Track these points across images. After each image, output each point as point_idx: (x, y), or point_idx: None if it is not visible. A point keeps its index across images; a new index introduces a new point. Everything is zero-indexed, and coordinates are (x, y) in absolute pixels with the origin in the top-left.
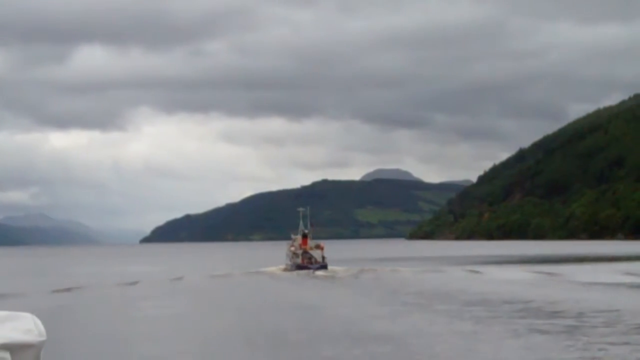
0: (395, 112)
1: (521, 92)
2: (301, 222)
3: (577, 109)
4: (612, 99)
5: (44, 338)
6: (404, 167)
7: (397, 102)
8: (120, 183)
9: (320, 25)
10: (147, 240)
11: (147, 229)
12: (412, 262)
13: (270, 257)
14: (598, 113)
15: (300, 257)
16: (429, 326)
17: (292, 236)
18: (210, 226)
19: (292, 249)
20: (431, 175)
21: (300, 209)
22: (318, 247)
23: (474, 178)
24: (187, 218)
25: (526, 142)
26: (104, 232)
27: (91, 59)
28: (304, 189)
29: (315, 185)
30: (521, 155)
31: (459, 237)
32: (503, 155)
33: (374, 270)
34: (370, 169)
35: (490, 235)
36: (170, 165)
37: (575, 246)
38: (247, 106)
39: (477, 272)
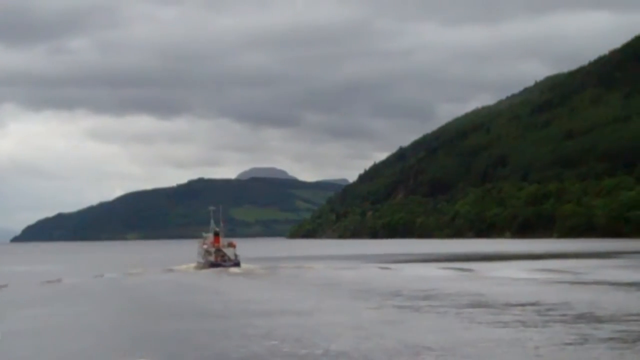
0: (266, 111)
1: (390, 91)
2: (212, 221)
3: (446, 109)
4: (478, 99)
5: None
6: (278, 166)
7: (267, 101)
8: None
9: (187, 22)
10: (17, 239)
11: (17, 228)
12: (321, 260)
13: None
14: (477, 112)
15: (214, 254)
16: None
17: (204, 234)
18: (84, 225)
19: (205, 246)
20: (305, 174)
21: (211, 208)
22: (230, 245)
23: (349, 177)
24: (60, 217)
25: (397, 140)
26: None
27: None
28: (180, 188)
29: (191, 183)
30: (401, 154)
31: (342, 236)
32: (375, 154)
33: (285, 268)
34: (244, 168)
35: (375, 234)
36: (38, 163)
37: (470, 244)
38: (114, 104)
39: (389, 268)
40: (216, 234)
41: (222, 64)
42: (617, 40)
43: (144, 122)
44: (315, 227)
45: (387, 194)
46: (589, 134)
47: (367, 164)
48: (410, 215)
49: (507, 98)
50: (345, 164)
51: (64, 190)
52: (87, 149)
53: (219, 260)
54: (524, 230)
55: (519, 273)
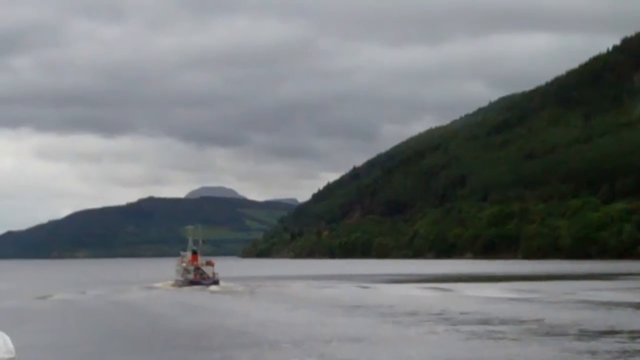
0: (210, 130)
1: (332, 111)
2: (190, 239)
3: (389, 129)
4: (422, 120)
5: (12, 355)
6: (226, 186)
7: (211, 121)
8: None
9: (130, 42)
10: None
11: None
12: (297, 279)
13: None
14: (432, 132)
15: (193, 272)
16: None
17: (181, 253)
18: (34, 243)
19: (184, 264)
20: (253, 193)
21: (189, 227)
22: (209, 263)
23: (297, 196)
24: (9, 235)
25: (342, 160)
26: None
27: None
28: (129, 206)
29: (141, 202)
30: (355, 174)
31: (298, 255)
32: (321, 173)
33: (265, 286)
34: (192, 187)
35: (332, 254)
36: None
37: (436, 265)
38: (57, 122)
39: (368, 287)
40: (194, 252)
41: (165, 83)
42: (559, 62)
43: (89, 141)
44: (269, 246)
45: (343, 213)
46: (550, 154)
47: (314, 184)
48: (367, 235)
49: (461, 118)
50: (292, 183)
51: (12, 209)
52: (34, 168)
53: (198, 278)
54: (487, 251)
55: (496, 292)
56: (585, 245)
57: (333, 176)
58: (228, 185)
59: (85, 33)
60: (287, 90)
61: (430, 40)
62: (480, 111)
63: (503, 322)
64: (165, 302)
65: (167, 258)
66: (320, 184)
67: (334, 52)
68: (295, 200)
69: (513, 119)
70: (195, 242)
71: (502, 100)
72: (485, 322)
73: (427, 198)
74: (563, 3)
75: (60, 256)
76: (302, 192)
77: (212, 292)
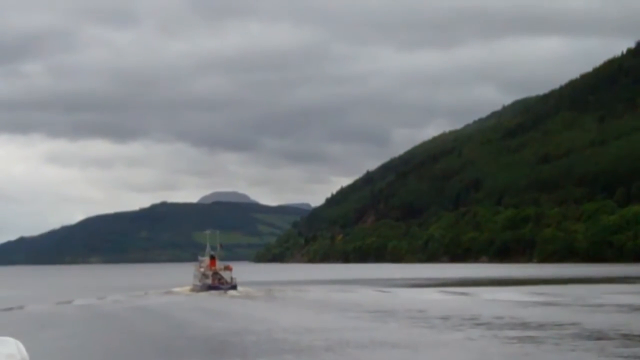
0: (222, 135)
1: (345, 116)
2: (208, 244)
3: (402, 133)
4: (434, 124)
5: None
6: (239, 190)
7: (223, 126)
8: None
9: (141, 47)
10: None
11: None
12: (314, 284)
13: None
14: (445, 136)
15: (211, 277)
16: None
17: (199, 257)
18: (47, 249)
19: (202, 270)
20: (266, 198)
21: (207, 232)
22: (227, 268)
23: (310, 201)
24: (22, 240)
25: (354, 165)
26: None
27: None
28: (142, 211)
29: (154, 207)
30: (368, 178)
31: (312, 260)
32: (333, 178)
33: (283, 291)
34: (205, 192)
35: (346, 258)
36: None
37: (452, 269)
38: (69, 128)
39: (388, 292)
40: (212, 257)
41: (177, 88)
42: (571, 65)
43: (100, 146)
44: (283, 251)
45: (357, 218)
46: (565, 157)
47: (326, 188)
48: (381, 239)
49: (475, 122)
50: (304, 188)
51: (25, 214)
52: (46, 173)
53: (216, 283)
54: (502, 254)
55: (521, 296)
56: (602, 249)
57: (345, 181)
58: (240, 190)
59: (97, 38)
60: (300, 94)
61: (442, 44)
62: (494, 115)
63: (540, 326)
64: (188, 307)
65: (181, 263)
66: (333, 189)
67: (346, 57)
68: (307, 204)
69: (527, 123)
70: (213, 247)
71: (516, 104)
72: (521, 326)
73: (441, 202)
74: (576, 6)
75: (73, 262)
76: (315, 196)
77: (232, 296)
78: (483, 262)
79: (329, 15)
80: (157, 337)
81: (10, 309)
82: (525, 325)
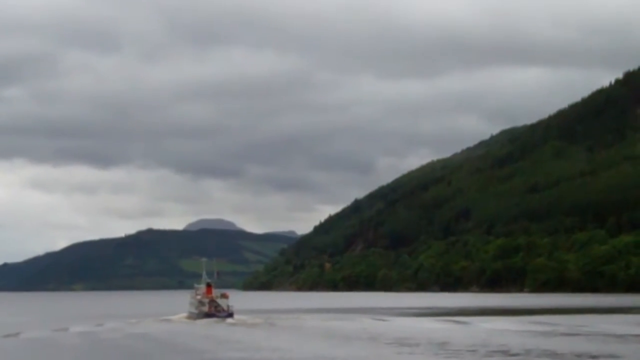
0: (205, 162)
1: (329, 144)
2: (204, 272)
3: (385, 162)
4: (418, 154)
5: None
6: (225, 218)
7: (207, 153)
8: None
9: (124, 73)
10: None
11: None
12: (310, 312)
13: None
14: (433, 165)
15: (207, 305)
16: None
17: (195, 285)
18: (30, 275)
19: (198, 297)
20: (251, 225)
21: (203, 260)
22: (223, 296)
23: (296, 229)
24: (5, 267)
25: (339, 193)
26: None
27: None
28: (128, 238)
29: (139, 234)
30: (356, 206)
31: (300, 288)
32: (318, 206)
33: (280, 319)
34: (190, 219)
35: (335, 287)
36: None
37: (445, 299)
38: (52, 154)
39: (385, 320)
40: (208, 285)
41: (159, 115)
42: (553, 96)
43: (83, 173)
44: (271, 279)
45: (345, 246)
46: (555, 187)
47: (312, 216)
48: (371, 268)
49: (463, 151)
50: (289, 215)
51: (8, 240)
52: (29, 199)
53: (213, 311)
54: (493, 284)
55: (519, 325)
56: (593, 279)
57: (330, 209)
58: (226, 217)
59: (79, 64)
60: (284, 122)
61: (424, 73)
62: (482, 144)
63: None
64: (191, 335)
65: (168, 291)
66: (318, 217)
67: (329, 85)
68: (293, 232)
69: (516, 152)
70: (209, 275)
71: (504, 133)
72: (532, 355)
73: (430, 231)
74: (556, 38)
75: (57, 288)
76: (300, 224)
77: (230, 324)
78: (474, 291)
79: (312, 43)
80: None
81: (8, 335)
82: (534, 354)
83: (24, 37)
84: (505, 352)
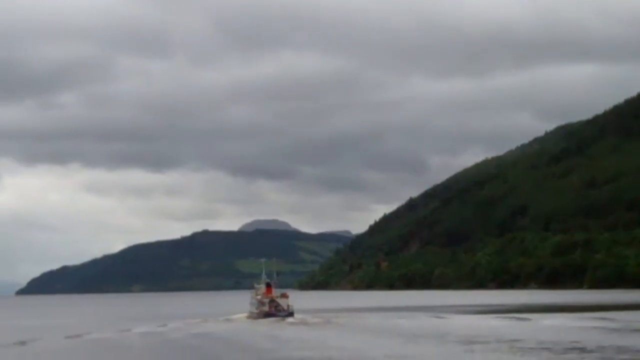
0: (258, 163)
1: (380, 143)
2: (264, 272)
3: (438, 160)
4: (470, 152)
5: None
6: (279, 218)
7: (259, 154)
8: None
9: (175, 77)
10: (23, 292)
11: (21, 281)
12: (368, 311)
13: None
14: (487, 163)
15: (268, 305)
16: None
17: (255, 285)
18: (89, 278)
19: (258, 297)
20: (306, 226)
21: (263, 260)
22: (283, 295)
23: (350, 228)
24: (64, 269)
25: (393, 192)
26: None
27: None
28: (184, 240)
29: (195, 235)
30: (411, 205)
31: (357, 287)
32: (372, 205)
33: (341, 318)
34: (244, 220)
35: (391, 285)
36: (38, 217)
37: (502, 296)
38: (106, 158)
39: (445, 318)
40: (268, 285)
41: (211, 117)
42: (606, 91)
43: (137, 176)
44: (327, 278)
45: (401, 245)
46: (613, 182)
47: (365, 216)
48: (427, 266)
49: (517, 148)
50: (343, 215)
51: (66, 244)
52: (85, 203)
53: (273, 311)
54: (551, 281)
55: (580, 322)
56: None
57: (384, 208)
58: (280, 218)
59: (131, 68)
60: (335, 122)
61: (475, 71)
62: (536, 141)
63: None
64: (255, 334)
65: (224, 291)
66: (372, 216)
67: (378, 84)
68: (348, 232)
69: (572, 148)
70: (269, 275)
71: (559, 129)
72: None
73: (486, 228)
74: (609, 33)
75: (115, 290)
76: (354, 224)
77: (291, 324)
78: (532, 288)
79: (362, 43)
80: None
81: (73, 336)
82: (611, 351)
83: (77, 42)
84: (581, 349)
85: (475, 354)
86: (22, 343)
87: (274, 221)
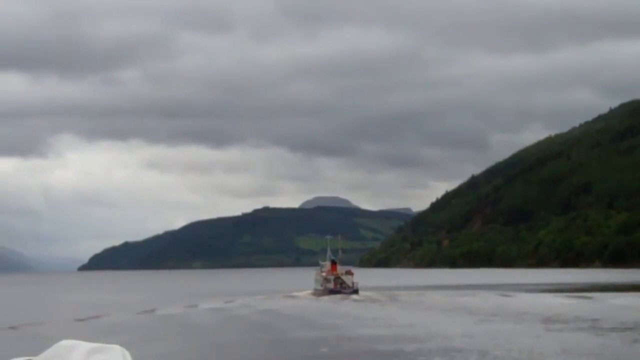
0: (318, 140)
1: (440, 121)
2: (329, 250)
3: (499, 138)
4: (531, 129)
5: None
6: (339, 195)
7: (319, 131)
8: (51, 210)
9: (235, 53)
10: (85, 267)
11: (83, 257)
12: (429, 289)
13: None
14: (551, 140)
15: (332, 282)
16: None
17: (321, 262)
18: (150, 254)
19: (324, 274)
20: (366, 203)
21: (328, 237)
22: (348, 272)
23: (410, 205)
24: (126, 246)
25: (452, 169)
26: (39, 259)
27: (5, 85)
28: (245, 216)
29: (256, 212)
30: (473, 183)
31: (418, 265)
32: (432, 183)
33: (404, 295)
34: (304, 197)
35: (453, 263)
36: (100, 193)
37: (566, 274)
38: (167, 134)
39: (509, 296)
40: (333, 262)
41: (272, 94)
42: None
43: (198, 152)
44: (388, 255)
45: (463, 222)
46: None
47: (426, 193)
48: (489, 244)
49: (581, 125)
50: (403, 192)
51: (127, 220)
52: (146, 179)
53: (338, 287)
54: (616, 259)
55: None
56: None
57: (444, 185)
58: (341, 195)
59: (192, 45)
60: (395, 99)
61: (536, 47)
62: (600, 118)
63: None
64: (322, 311)
65: (285, 268)
66: (432, 193)
67: (439, 61)
68: (409, 209)
69: (637, 125)
70: (334, 252)
71: (624, 106)
72: None
73: (550, 206)
74: None
75: (176, 266)
76: (415, 201)
77: (355, 300)
78: (596, 267)
79: (422, 19)
80: (317, 343)
81: (143, 312)
82: None
83: (138, 19)
84: None
85: (564, 334)
86: (97, 317)
87: (335, 198)
